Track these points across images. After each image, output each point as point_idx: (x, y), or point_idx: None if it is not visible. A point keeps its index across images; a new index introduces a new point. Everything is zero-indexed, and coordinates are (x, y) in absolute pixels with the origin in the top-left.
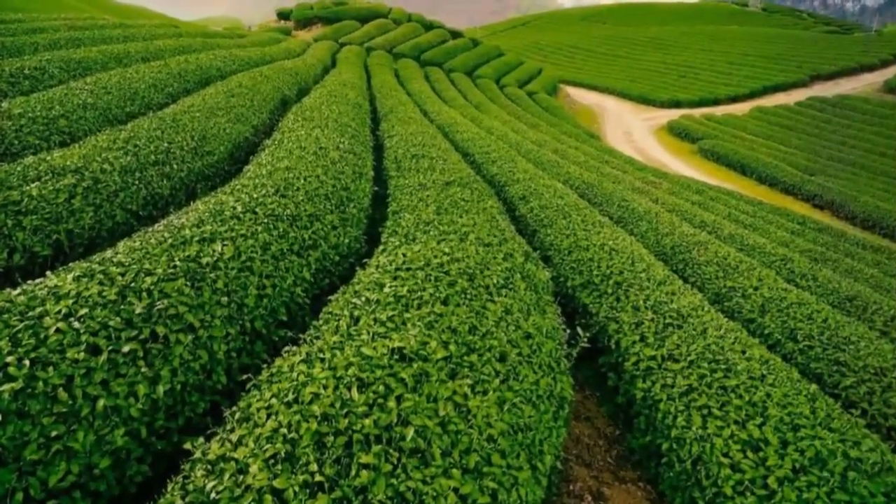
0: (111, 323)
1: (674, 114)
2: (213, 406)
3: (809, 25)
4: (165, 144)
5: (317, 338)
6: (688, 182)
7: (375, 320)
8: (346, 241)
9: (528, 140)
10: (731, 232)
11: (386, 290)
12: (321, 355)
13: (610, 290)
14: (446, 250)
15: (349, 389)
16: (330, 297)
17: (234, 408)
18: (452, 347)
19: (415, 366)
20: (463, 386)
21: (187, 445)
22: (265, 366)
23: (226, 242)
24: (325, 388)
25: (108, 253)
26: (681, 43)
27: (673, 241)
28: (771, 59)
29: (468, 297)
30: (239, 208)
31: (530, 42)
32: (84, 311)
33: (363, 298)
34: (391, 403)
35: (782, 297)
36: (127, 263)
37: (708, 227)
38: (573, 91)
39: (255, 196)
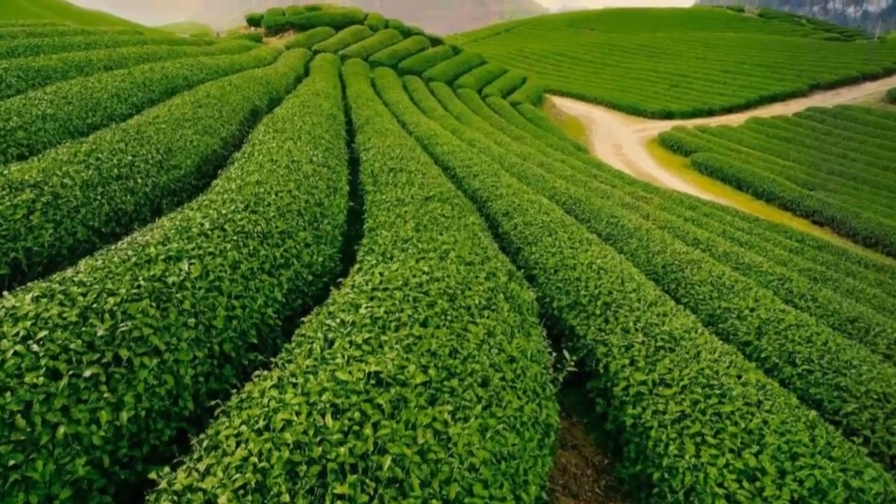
0: (72, 346)
1: (665, 125)
2: (179, 433)
3: (808, 32)
4: (129, 158)
5: (289, 361)
6: (680, 197)
7: (351, 343)
8: (320, 259)
9: (511, 153)
10: (725, 250)
11: (362, 311)
12: (294, 380)
13: (598, 312)
14: (425, 269)
15: (323, 416)
16: (303, 319)
17: (202, 435)
18: (432, 372)
19: (392, 391)
20: (443, 412)
21: (152, 475)
22: (234, 391)
23: (193, 261)
24: (298, 414)
25: (69, 272)
26: (673, 50)
27: (665, 259)
28: (768, 67)
29: (449, 318)
30: (207, 225)
31: (514, 49)
32: (43, 333)
33: (338, 320)
34: (367, 431)
35: (780, 319)
36: (89, 283)
37: (701, 244)
38: (559, 101)
39: (223, 212)
